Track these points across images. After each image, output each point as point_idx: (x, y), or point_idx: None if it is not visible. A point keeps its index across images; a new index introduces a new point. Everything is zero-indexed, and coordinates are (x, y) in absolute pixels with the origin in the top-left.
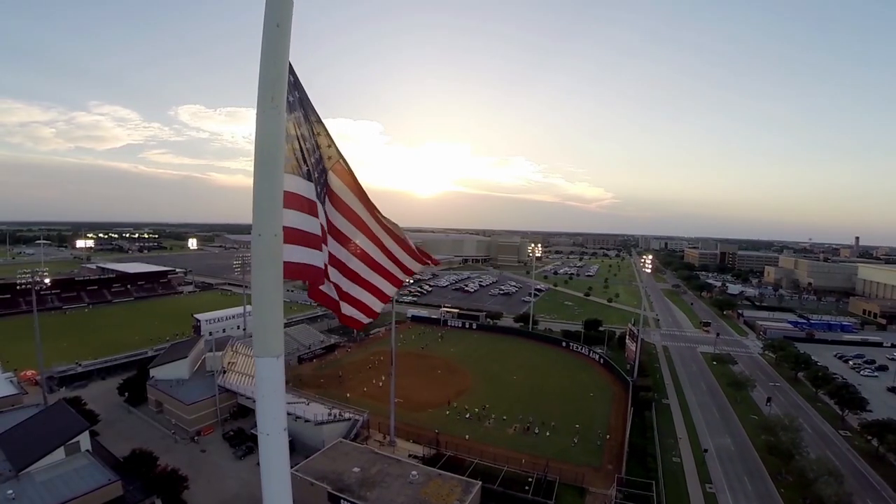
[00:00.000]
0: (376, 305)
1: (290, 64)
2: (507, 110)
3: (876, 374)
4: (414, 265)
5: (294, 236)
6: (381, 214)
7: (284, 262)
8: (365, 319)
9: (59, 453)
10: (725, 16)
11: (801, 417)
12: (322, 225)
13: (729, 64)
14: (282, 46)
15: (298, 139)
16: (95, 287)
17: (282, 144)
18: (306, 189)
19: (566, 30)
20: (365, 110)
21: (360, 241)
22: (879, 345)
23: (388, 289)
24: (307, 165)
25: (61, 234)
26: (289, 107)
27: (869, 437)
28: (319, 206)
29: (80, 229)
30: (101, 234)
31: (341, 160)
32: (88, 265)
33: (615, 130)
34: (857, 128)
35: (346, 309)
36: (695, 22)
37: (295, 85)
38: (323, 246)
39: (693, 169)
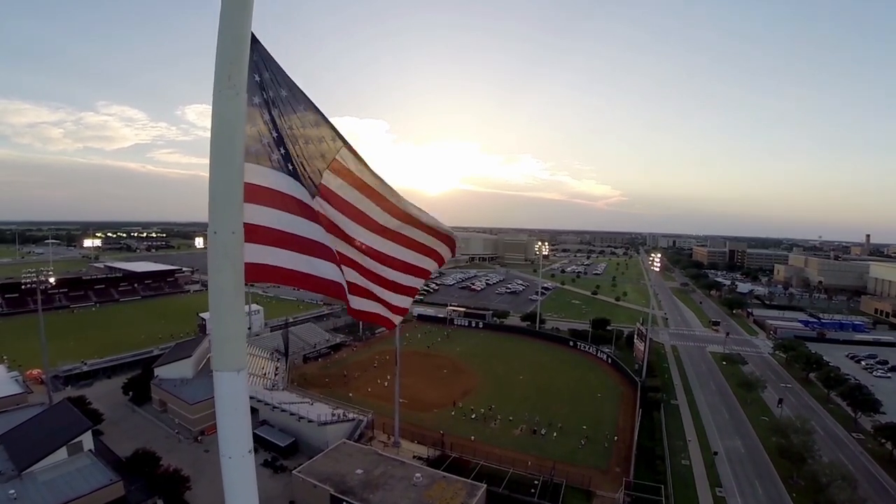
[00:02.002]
0: (404, 302)
1: (257, 40)
2: (515, 108)
3: (889, 374)
4: (446, 252)
5: (263, 235)
6: (399, 201)
7: (248, 264)
8: (395, 318)
9: (62, 453)
10: (734, 12)
11: (813, 419)
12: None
13: (737, 60)
14: (242, 18)
15: (279, 129)
16: (103, 286)
17: (241, 130)
18: (288, 186)
19: (574, 27)
20: (371, 108)
21: (368, 238)
22: (892, 345)
23: (414, 282)
24: (294, 162)
25: (70, 234)
26: (259, 90)
27: (883, 441)
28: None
29: (89, 229)
30: (109, 234)
31: (343, 151)
32: (96, 264)
33: (622, 128)
34: (867, 124)
35: (373, 306)
36: (703, 18)
37: (265, 65)
38: (310, 250)
39: (701, 166)
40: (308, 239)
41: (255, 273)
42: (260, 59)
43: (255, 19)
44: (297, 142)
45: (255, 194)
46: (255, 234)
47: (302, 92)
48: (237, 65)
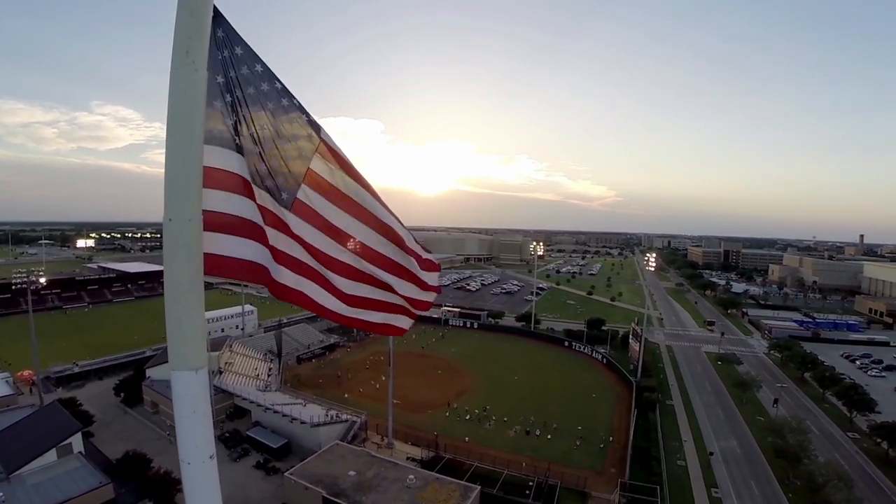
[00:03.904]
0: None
1: (221, 15)
2: (512, 109)
3: (884, 374)
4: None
5: (225, 224)
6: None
7: (208, 255)
8: (405, 324)
9: (52, 455)
10: (728, 13)
11: (809, 419)
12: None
13: (731, 61)
14: None
15: (243, 115)
16: (96, 286)
17: (200, 110)
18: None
19: (570, 27)
20: (367, 109)
21: (370, 238)
22: (886, 344)
23: (419, 294)
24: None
25: (64, 234)
26: (223, 68)
27: (878, 440)
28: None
29: (83, 229)
30: (103, 234)
31: (318, 155)
32: (90, 265)
33: (617, 128)
34: (861, 125)
35: (379, 317)
36: (697, 19)
37: (233, 44)
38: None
39: (696, 167)
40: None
41: (217, 265)
42: (227, 36)
43: (253, 17)
44: (267, 138)
45: (217, 179)
46: (215, 222)
47: (276, 80)
48: (196, 39)
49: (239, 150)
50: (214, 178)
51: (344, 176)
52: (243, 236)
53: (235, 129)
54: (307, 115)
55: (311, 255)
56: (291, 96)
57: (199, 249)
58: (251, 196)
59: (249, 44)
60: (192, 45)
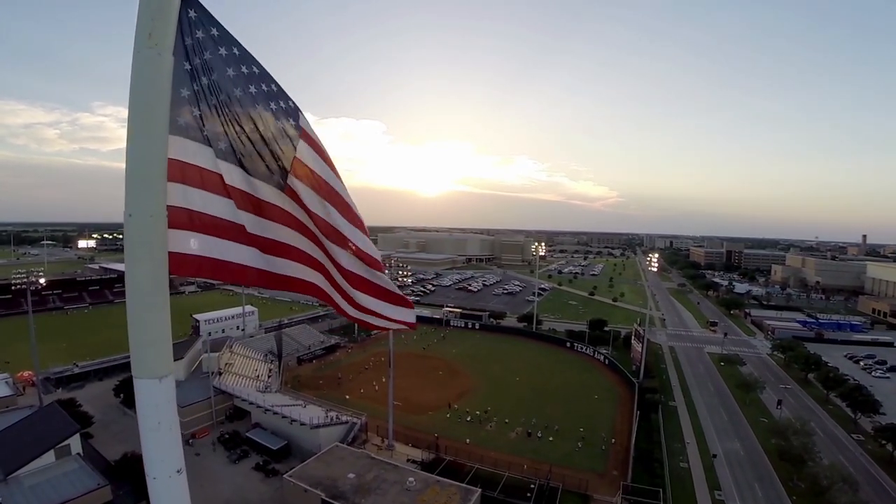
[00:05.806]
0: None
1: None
2: (511, 109)
3: (888, 375)
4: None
5: (192, 220)
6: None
7: (178, 254)
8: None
9: (49, 456)
10: (729, 13)
11: (813, 420)
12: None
13: (733, 62)
14: None
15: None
16: (97, 287)
17: (165, 97)
18: (222, 167)
19: (569, 28)
20: (367, 110)
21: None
22: (890, 344)
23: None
24: (232, 143)
25: (66, 235)
26: (194, 54)
27: (883, 442)
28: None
29: (86, 230)
30: (105, 235)
31: (302, 145)
32: (91, 265)
33: (619, 129)
34: (863, 125)
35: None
36: (699, 19)
37: (203, 23)
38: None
39: (698, 167)
40: (250, 231)
41: (184, 265)
42: (199, 18)
43: (253, 17)
44: (244, 125)
45: (184, 173)
46: (182, 218)
47: (255, 69)
48: (160, 20)
49: (208, 141)
50: (181, 172)
51: (324, 166)
52: (213, 234)
53: (200, 119)
54: (288, 100)
55: (312, 242)
56: (272, 80)
57: (162, 247)
58: (222, 192)
59: (237, 30)
60: (155, 27)
